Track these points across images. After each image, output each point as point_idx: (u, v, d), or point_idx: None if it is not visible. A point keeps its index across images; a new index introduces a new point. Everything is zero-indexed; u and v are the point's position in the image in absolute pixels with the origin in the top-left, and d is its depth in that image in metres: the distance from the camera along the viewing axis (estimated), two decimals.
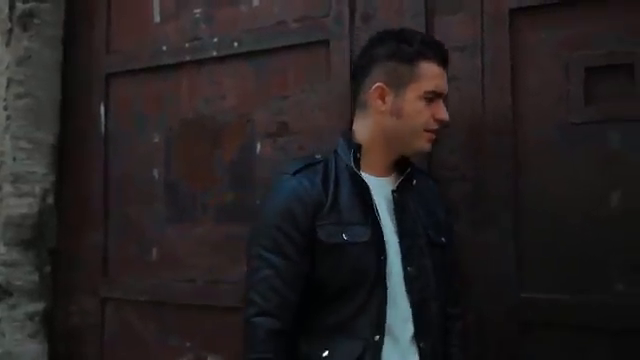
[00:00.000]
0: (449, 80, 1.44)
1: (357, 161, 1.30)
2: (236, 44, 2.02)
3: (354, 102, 1.40)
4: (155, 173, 2.16)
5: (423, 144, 1.32)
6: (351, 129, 1.39)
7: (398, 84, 1.28)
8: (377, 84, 1.29)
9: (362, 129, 1.34)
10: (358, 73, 1.36)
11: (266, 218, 1.26)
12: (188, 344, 2.03)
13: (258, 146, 1.98)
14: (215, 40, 2.06)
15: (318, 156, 1.34)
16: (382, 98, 1.29)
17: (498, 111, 1.63)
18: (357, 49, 1.77)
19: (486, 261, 1.61)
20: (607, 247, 1.53)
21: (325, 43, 1.87)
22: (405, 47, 1.27)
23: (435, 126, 1.31)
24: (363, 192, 1.28)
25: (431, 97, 1.29)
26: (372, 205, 1.27)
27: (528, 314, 1.58)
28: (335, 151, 1.35)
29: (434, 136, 1.33)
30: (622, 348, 1.50)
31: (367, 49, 1.36)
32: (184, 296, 2.05)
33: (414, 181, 1.37)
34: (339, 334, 1.23)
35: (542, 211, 1.58)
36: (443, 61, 1.30)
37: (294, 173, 1.27)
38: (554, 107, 1.60)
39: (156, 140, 2.17)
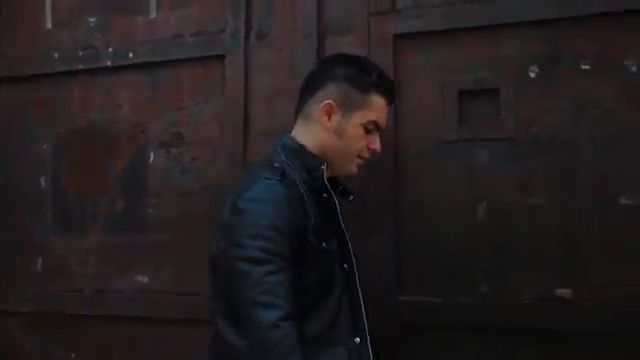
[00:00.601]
0: None
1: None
2: (131, 55, 2.03)
3: (298, 110, 1.41)
4: (42, 182, 2.11)
5: (353, 167, 1.39)
6: (290, 136, 1.39)
7: (347, 107, 1.32)
8: (328, 101, 1.32)
9: (308, 140, 1.35)
10: (310, 84, 1.38)
11: (263, 220, 1.19)
12: (73, 355, 1.99)
13: (151, 156, 2.00)
14: (110, 50, 2.07)
15: (276, 164, 1.31)
16: (329, 115, 1.33)
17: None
18: (251, 65, 1.86)
19: (368, 267, 1.71)
20: (474, 254, 1.67)
21: (221, 58, 1.93)
22: (364, 76, 1.33)
23: (367, 154, 1.38)
24: (332, 206, 1.31)
25: (372, 128, 1.35)
26: (339, 217, 1.32)
27: (406, 316, 1.69)
28: (290, 158, 1.33)
29: (362, 162, 1.39)
30: (489, 343, 1.64)
31: (325, 65, 1.41)
32: (70, 306, 2.00)
33: (351, 196, 1.42)
34: (321, 344, 1.22)
35: (419, 221, 1.72)
36: (391, 99, 1.38)
37: (280, 179, 1.25)
38: (431, 125, 1.75)
39: (44, 148, 2.12)
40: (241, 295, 1.17)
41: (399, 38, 1.80)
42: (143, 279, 1.96)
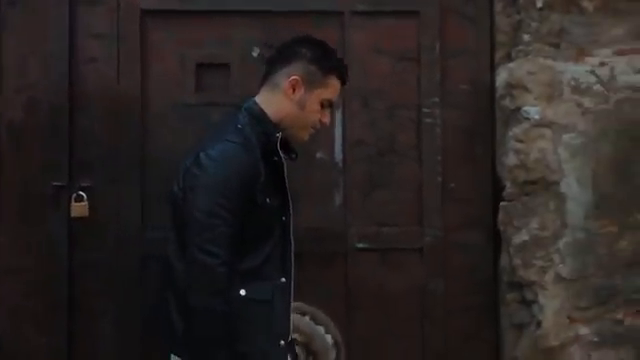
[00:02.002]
0: (89, 61, 1.81)
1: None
2: None
3: (265, 78, 1.59)
4: None
5: (305, 135, 1.61)
6: (255, 101, 1.57)
7: (310, 84, 1.52)
8: (295, 76, 1.51)
9: (270, 107, 1.54)
10: (278, 59, 1.57)
11: (222, 179, 1.41)
12: None
13: None
14: None
15: (239, 125, 1.51)
16: (294, 88, 1.52)
17: (130, 90, 2.04)
18: (6, 32, 1.98)
19: (118, 210, 2.02)
20: None
21: None
22: (326, 60, 1.55)
23: (318, 126, 1.61)
24: (280, 167, 1.53)
25: (326, 104, 1.58)
26: (284, 177, 1.54)
27: (150, 249, 2.03)
28: (252, 123, 1.52)
29: (313, 132, 1.62)
30: None
31: (293, 44, 1.59)
32: None
33: (294, 155, 1.64)
34: (252, 278, 1.46)
35: (163, 170, 2.05)
36: (344, 81, 1.61)
37: (242, 143, 1.46)
38: (173, 91, 2.09)
39: None
40: (191, 237, 1.40)
41: (146, 13, 2.08)
42: None
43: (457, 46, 2.15)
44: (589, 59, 2.00)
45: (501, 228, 2.09)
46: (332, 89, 1.58)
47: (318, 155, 2.13)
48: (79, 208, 1.98)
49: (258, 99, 1.57)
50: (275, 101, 1.54)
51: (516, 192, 2.05)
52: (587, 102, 1.99)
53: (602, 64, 1.99)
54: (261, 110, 1.54)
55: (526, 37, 2.05)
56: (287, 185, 1.56)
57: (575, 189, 1.97)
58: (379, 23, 2.14)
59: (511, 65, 2.04)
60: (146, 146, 2.06)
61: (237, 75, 2.10)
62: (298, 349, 2.02)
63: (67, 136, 2.02)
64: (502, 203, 2.08)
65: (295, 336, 1.99)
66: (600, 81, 1.98)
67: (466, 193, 2.16)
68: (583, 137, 1.98)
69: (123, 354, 2.05)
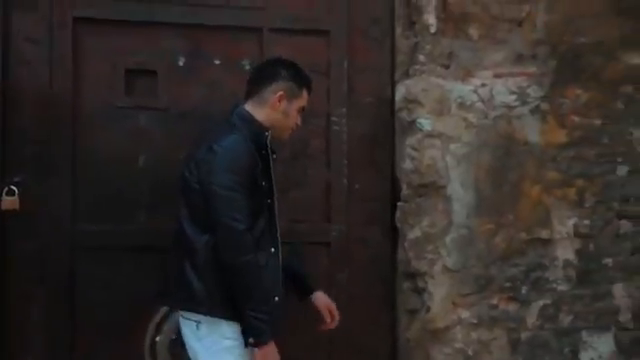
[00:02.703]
0: (23, 64, 2.00)
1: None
2: None
3: (251, 93, 1.93)
4: None
5: (287, 135, 2.00)
6: (245, 109, 1.92)
7: (291, 96, 1.91)
8: (281, 92, 1.89)
9: (259, 115, 1.90)
10: (261, 77, 1.94)
11: (234, 161, 1.76)
12: None
13: None
14: None
15: (237, 125, 1.87)
16: (280, 101, 1.89)
17: (62, 92, 2.20)
18: None
19: (49, 204, 2.18)
20: (136, 193, 2.28)
21: None
22: (299, 78, 1.94)
23: (295, 127, 1.99)
24: (269, 160, 1.88)
25: (300, 110, 1.96)
26: (271, 167, 1.90)
27: (82, 241, 2.21)
28: (245, 125, 1.88)
29: (291, 132, 2.00)
30: (146, 260, 2.25)
31: (272, 65, 1.97)
32: None
33: (274, 155, 1.96)
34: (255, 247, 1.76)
35: (93, 167, 2.23)
36: (310, 91, 1.99)
37: (243, 137, 1.82)
38: (104, 94, 2.26)
39: None
40: (219, 210, 1.72)
41: (78, 20, 2.24)
42: None
43: (363, 63, 2.43)
44: (473, 80, 2.31)
45: (398, 225, 2.38)
46: (304, 98, 1.97)
47: None
48: (10, 202, 2.11)
49: (247, 107, 1.92)
50: (263, 111, 1.90)
51: (411, 194, 2.35)
52: (471, 117, 2.30)
53: (483, 85, 2.31)
54: (251, 116, 1.89)
55: (421, 58, 2.35)
56: (272, 174, 1.92)
57: (459, 192, 2.29)
58: (294, 40, 2.38)
59: (408, 82, 2.33)
60: (77, 144, 2.22)
61: (164, 81, 2.29)
62: None
63: (0, 134, 2.15)
64: (399, 203, 2.38)
65: None
66: (481, 99, 2.30)
67: (369, 194, 2.45)
68: (467, 147, 2.29)
69: (53, 342, 2.21)
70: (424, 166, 2.29)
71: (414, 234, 2.33)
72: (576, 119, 2.37)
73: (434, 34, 2.35)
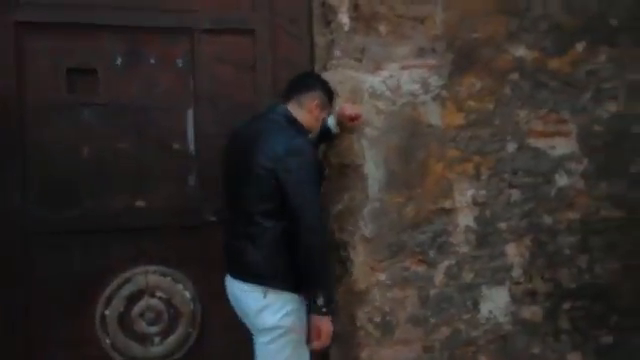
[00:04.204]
0: None
1: None
2: None
3: (290, 96, 2.25)
4: None
5: (315, 133, 2.31)
6: (287, 109, 2.23)
7: (323, 107, 2.26)
8: (317, 100, 2.23)
9: (299, 116, 2.21)
10: (303, 84, 2.26)
11: (311, 161, 2.10)
12: None
13: None
14: None
15: (294, 128, 2.19)
16: (317, 108, 2.22)
17: (6, 90, 2.39)
18: None
19: (0, 194, 2.38)
20: (81, 182, 2.49)
21: None
22: (329, 92, 2.31)
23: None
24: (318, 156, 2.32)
25: (325, 120, 2.34)
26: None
27: (31, 226, 2.42)
28: (296, 128, 2.20)
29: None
30: (93, 242, 2.51)
31: (311, 77, 2.38)
32: None
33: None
34: None
35: (42, 158, 2.44)
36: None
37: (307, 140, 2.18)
38: (48, 92, 2.46)
39: None
40: (303, 202, 2.03)
41: (20, 24, 2.43)
42: None
43: (285, 58, 2.70)
44: (382, 72, 2.63)
45: (324, 201, 2.68)
46: (330, 110, 2.35)
47: (175, 146, 2.61)
48: None
49: (289, 108, 2.22)
50: (301, 114, 2.22)
51: (334, 173, 2.66)
52: (381, 105, 2.62)
53: (391, 76, 2.63)
54: (294, 117, 2.20)
55: (337, 53, 2.65)
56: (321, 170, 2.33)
57: (373, 170, 2.60)
58: (222, 39, 2.64)
59: (326, 75, 2.62)
60: (25, 138, 2.42)
61: (103, 79, 2.51)
62: (161, 303, 2.50)
63: None
64: (323, 182, 2.68)
65: (159, 294, 2.48)
66: (389, 89, 2.63)
67: None
68: (378, 131, 2.61)
69: (7, 324, 2.41)
70: (343, 148, 2.59)
71: (337, 208, 2.63)
72: (472, 104, 2.71)
73: (347, 32, 2.64)
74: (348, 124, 2.51)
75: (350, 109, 2.49)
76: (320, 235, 2.06)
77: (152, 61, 2.56)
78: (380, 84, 2.61)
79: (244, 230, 2.14)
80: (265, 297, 2.07)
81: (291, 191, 2.03)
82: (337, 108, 2.52)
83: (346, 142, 2.58)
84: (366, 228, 2.58)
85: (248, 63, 2.67)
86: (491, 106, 2.72)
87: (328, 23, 2.68)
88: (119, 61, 2.53)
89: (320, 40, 2.71)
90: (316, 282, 2.06)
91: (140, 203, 2.57)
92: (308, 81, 2.30)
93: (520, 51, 2.75)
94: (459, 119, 2.70)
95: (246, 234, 2.12)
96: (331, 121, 2.53)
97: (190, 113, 2.62)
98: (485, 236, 2.73)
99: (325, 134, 2.53)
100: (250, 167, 2.09)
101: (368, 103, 2.60)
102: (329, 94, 2.32)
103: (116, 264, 2.53)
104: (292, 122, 2.18)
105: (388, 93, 2.61)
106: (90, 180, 2.51)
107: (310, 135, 2.28)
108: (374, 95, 2.60)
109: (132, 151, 2.55)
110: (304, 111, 2.23)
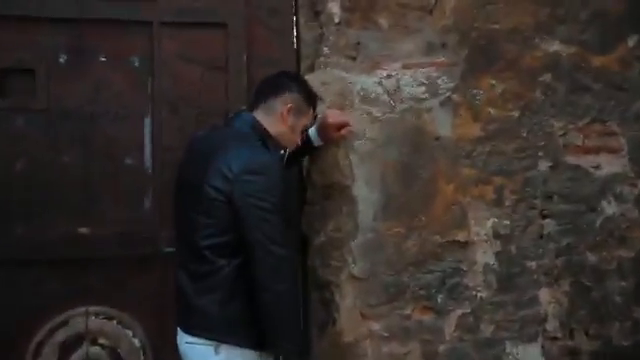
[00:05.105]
0: None
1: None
2: None
3: (259, 102, 1.84)
4: None
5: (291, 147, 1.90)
6: (254, 117, 1.82)
7: (298, 112, 1.83)
8: (290, 105, 1.80)
9: (268, 125, 1.80)
10: (272, 86, 1.85)
11: (274, 183, 1.66)
12: None
13: None
14: None
15: (258, 141, 1.76)
16: (288, 114, 1.80)
17: None
18: None
19: None
20: (11, 202, 2.08)
21: None
22: (308, 94, 1.88)
23: (295, 147, 1.94)
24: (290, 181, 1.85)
25: (304, 130, 1.91)
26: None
27: None
28: (262, 139, 1.77)
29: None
30: (23, 276, 2.09)
31: (282, 77, 1.89)
32: None
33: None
34: None
35: None
36: (315, 111, 1.95)
37: (271, 155, 1.74)
38: None
39: None
40: (262, 233, 1.62)
41: None
42: None
43: (263, 56, 2.26)
44: (378, 71, 2.14)
45: (305, 231, 2.19)
46: (310, 117, 1.91)
47: (127, 161, 2.18)
48: None
49: (256, 115, 1.82)
50: (270, 123, 1.80)
51: (317, 196, 2.17)
52: (375, 111, 2.12)
53: (389, 76, 2.13)
54: (262, 126, 1.79)
55: (325, 50, 2.18)
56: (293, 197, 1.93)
57: (365, 192, 2.10)
58: (188, 33, 2.22)
59: (309, 76, 2.15)
60: None
61: (43, 80, 2.11)
62: (104, 353, 2.05)
63: None
64: (305, 207, 2.19)
65: (102, 340, 2.03)
66: (386, 92, 2.12)
67: None
68: (371, 143, 2.11)
69: None
70: (327, 165, 2.11)
71: (319, 240, 2.14)
72: (491, 111, 2.20)
73: (339, 24, 2.17)
74: (333, 135, 2.00)
75: (335, 116, 2.00)
76: (285, 280, 1.65)
77: (102, 59, 2.16)
78: (375, 86, 2.14)
79: (192, 268, 1.73)
80: (217, 354, 1.66)
81: (248, 222, 1.63)
82: (319, 115, 2.03)
83: (330, 157, 2.10)
84: (355, 265, 2.09)
85: (219, 63, 2.24)
86: (516, 114, 2.21)
87: (316, 14, 2.22)
88: (63, 59, 2.11)
89: (307, 35, 2.24)
90: (281, 338, 1.66)
91: (83, 230, 2.15)
92: (280, 81, 1.88)
93: (554, 46, 2.23)
94: (475, 130, 2.20)
95: (194, 273, 1.72)
96: (312, 131, 2.03)
97: (147, 121, 2.20)
98: (510, 278, 2.20)
99: (305, 147, 2.03)
100: (200, 189, 1.68)
101: (359, 109, 2.10)
102: (308, 97, 1.89)
103: (50, 303, 2.10)
104: (259, 133, 1.79)
105: (385, 97, 2.13)
106: (23, 200, 2.10)
107: (287, 149, 1.90)
108: (367, 99, 2.13)
109: (76, 166, 2.14)
110: (275, 119, 1.83)
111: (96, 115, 2.17)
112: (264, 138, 1.78)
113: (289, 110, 1.82)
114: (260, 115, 1.83)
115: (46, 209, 2.13)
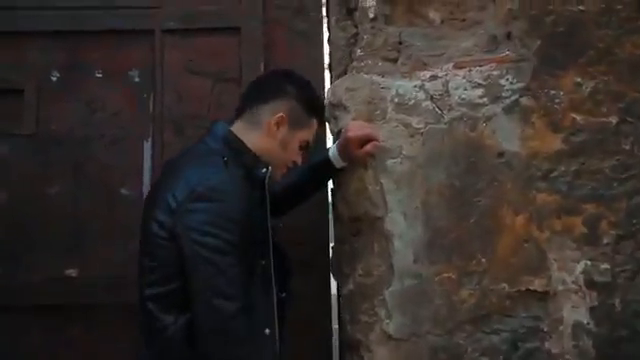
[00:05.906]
0: None
1: None
2: None
3: (243, 110, 1.47)
4: None
5: (279, 175, 1.49)
6: (230, 130, 1.44)
7: (294, 123, 1.44)
8: (281, 114, 1.42)
9: (251, 139, 1.42)
10: (261, 93, 1.46)
11: (224, 212, 1.27)
12: None
13: None
14: None
15: (224, 158, 1.37)
16: (278, 126, 1.42)
17: None
18: None
19: None
20: None
21: None
22: (312, 100, 1.48)
23: (292, 166, 1.50)
24: (266, 207, 1.41)
25: (304, 146, 1.48)
26: (267, 218, 1.41)
27: None
28: (233, 155, 1.39)
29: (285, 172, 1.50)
30: (4, 325, 1.80)
31: (277, 78, 1.50)
32: None
33: None
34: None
35: None
36: (322, 123, 1.57)
37: (234, 175, 1.34)
38: None
39: None
40: (202, 280, 1.24)
41: None
42: None
43: (285, 64, 1.86)
44: (421, 73, 1.67)
45: (332, 275, 1.73)
46: (312, 130, 1.49)
47: (123, 191, 1.85)
48: None
49: (234, 128, 1.44)
50: (254, 136, 1.42)
51: (345, 232, 1.71)
52: (415, 122, 1.64)
53: (433, 78, 1.66)
54: (239, 140, 1.40)
55: (358, 52, 1.75)
56: (269, 225, 1.41)
57: (402, 226, 1.61)
58: (195, 42, 1.91)
59: (336, 83, 1.73)
60: None
61: (31, 101, 1.86)
62: None
63: None
64: (332, 245, 1.73)
65: None
66: (430, 97, 1.64)
67: (299, 234, 1.82)
68: (410, 163, 1.62)
69: None
70: (351, 192, 1.63)
71: (347, 287, 1.66)
72: (578, 118, 1.64)
73: (374, 20, 1.75)
74: (356, 153, 1.53)
75: (356, 129, 1.55)
76: (227, 342, 1.24)
77: (98, 75, 1.87)
78: (414, 90, 1.65)
79: (140, 323, 1.37)
80: None
81: (188, 265, 1.26)
82: (343, 129, 1.59)
83: (356, 182, 1.63)
84: (390, 320, 1.58)
85: (231, 73, 1.90)
86: (614, 120, 1.64)
87: (350, 11, 1.80)
88: (55, 77, 1.84)
89: (338, 37, 1.81)
90: None
91: (71, 271, 1.84)
92: (272, 84, 1.50)
93: None
94: (555, 142, 1.64)
95: (142, 330, 1.39)
96: (333, 149, 1.58)
97: (147, 145, 1.89)
98: (614, 344, 1.58)
99: (326, 169, 1.58)
100: (145, 224, 1.37)
101: (393, 119, 1.63)
102: (310, 105, 1.49)
103: (30, 356, 1.80)
104: (233, 149, 1.40)
105: (427, 103, 1.64)
106: (5, 238, 1.84)
107: (274, 171, 1.47)
108: (403, 107, 1.66)
109: (65, 198, 1.86)
110: (259, 131, 1.44)
111: (89, 139, 1.90)
112: (238, 155, 1.38)
113: (279, 121, 1.42)
114: (241, 126, 1.45)
115: (29, 248, 1.86)
